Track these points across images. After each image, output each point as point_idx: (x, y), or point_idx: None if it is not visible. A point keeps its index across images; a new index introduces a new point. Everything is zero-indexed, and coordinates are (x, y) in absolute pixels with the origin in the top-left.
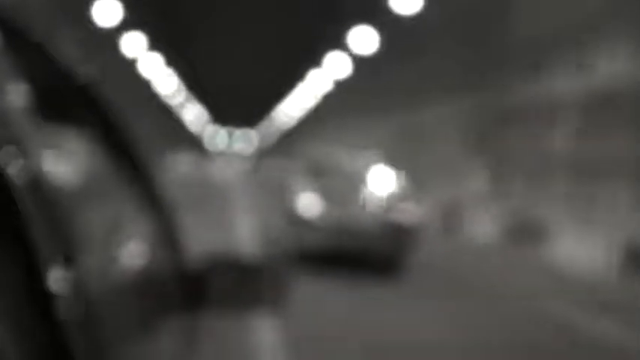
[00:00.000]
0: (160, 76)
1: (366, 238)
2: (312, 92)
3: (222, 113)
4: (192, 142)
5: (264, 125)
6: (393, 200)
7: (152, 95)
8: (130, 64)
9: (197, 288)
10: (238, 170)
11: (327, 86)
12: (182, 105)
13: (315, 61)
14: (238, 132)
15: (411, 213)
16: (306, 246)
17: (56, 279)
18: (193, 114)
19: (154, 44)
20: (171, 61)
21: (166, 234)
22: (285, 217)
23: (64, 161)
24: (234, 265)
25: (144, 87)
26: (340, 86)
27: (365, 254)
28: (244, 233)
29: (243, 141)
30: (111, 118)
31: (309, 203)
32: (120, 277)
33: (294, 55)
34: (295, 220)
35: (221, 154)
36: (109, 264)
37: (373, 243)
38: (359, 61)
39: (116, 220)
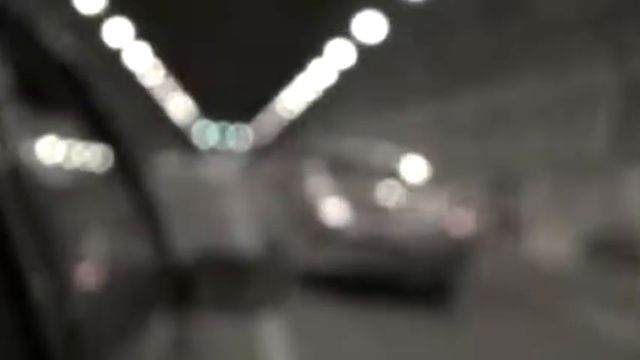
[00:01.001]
0: (145, 65)
1: (408, 255)
2: (314, 84)
3: (213, 106)
4: (179, 138)
5: (261, 120)
6: (439, 206)
7: (136, 86)
8: (114, 54)
9: (187, 287)
10: (232, 169)
11: (331, 77)
12: (168, 97)
13: (317, 49)
14: (232, 127)
15: (462, 221)
16: (329, 264)
17: (38, 280)
18: (181, 107)
19: (140, 32)
20: (157, 50)
21: (154, 229)
22: (298, 227)
23: (47, 152)
24: (227, 263)
25: (128, 78)
26: (345, 77)
27: (406, 275)
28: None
29: (237, 137)
30: (96, 106)
31: (331, 210)
32: (106, 277)
33: (294, 42)
34: (313, 231)
35: (212, 151)
36: (93, 263)
37: (418, 261)
38: (365, 50)
39: (101, 216)
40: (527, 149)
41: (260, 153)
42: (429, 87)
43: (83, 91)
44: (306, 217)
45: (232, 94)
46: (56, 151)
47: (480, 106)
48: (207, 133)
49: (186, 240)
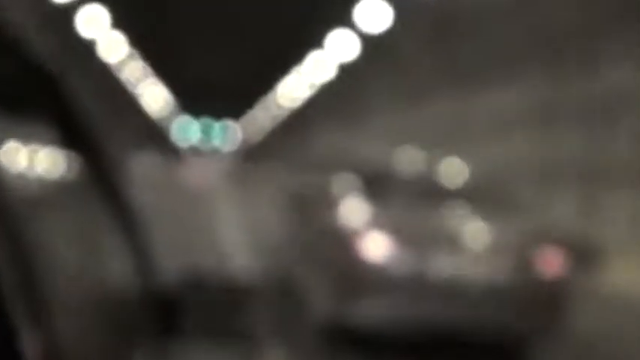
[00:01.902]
0: (121, 56)
1: (482, 304)
2: (311, 77)
3: (197, 101)
4: (156, 136)
5: (251, 116)
6: (519, 238)
7: (109, 79)
8: (88, 44)
9: (171, 314)
10: (217, 173)
11: (330, 70)
12: (146, 91)
13: (314, 40)
14: (217, 124)
15: (552, 259)
16: (367, 317)
17: (13, 300)
18: (159, 102)
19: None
20: (134, 40)
21: (132, 246)
22: (321, 263)
23: (21, 160)
24: (218, 286)
25: (102, 70)
26: (346, 70)
27: (480, 331)
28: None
29: (224, 135)
30: (66, 103)
31: (370, 242)
32: (83, 300)
33: (290, 32)
34: (343, 270)
35: (194, 151)
36: (71, 284)
37: (494, 313)
38: (368, 41)
39: (78, 231)
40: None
41: (251, 154)
42: (449, 81)
43: (52, 87)
44: (334, 249)
45: (218, 86)
46: (19, 157)
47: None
48: (189, 131)
49: (170, 258)
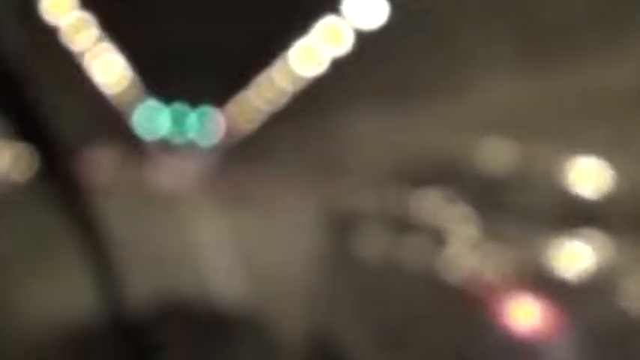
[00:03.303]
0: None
1: None
2: (322, 47)
3: (168, 83)
4: (117, 126)
5: (236, 103)
6: None
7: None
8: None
9: (143, 346)
10: (193, 173)
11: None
12: (102, 68)
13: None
14: (194, 113)
15: None
16: None
17: None
18: (121, 83)
19: None
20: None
21: (100, 270)
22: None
23: None
24: (199, 316)
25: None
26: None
27: None
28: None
29: (202, 126)
30: (22, 93)
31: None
32: (47, 331)
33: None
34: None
35: (163, 145)
36: (35, 312)
37: None
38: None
39: (40, 248)
40: None
41: (238, 150)
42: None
43: (9, 78)
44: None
45: (195, 62)
46: None
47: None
48: (156, 120)
49: (141, 282)
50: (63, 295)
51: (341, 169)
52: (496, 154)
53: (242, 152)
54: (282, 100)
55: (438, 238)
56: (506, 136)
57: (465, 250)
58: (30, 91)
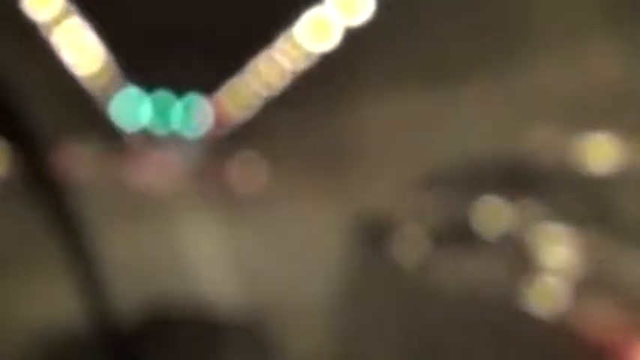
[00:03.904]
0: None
1: None
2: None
3: (150, 67)
4: (94, 117)
5: (227, 90)
6: None
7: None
8: None
9: (131, 354)
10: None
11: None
12: (74, 50)
13: None
14: (179, 101)
15: None
16: None
17: None
18: (96, 67)
19: None
20: None
21: (82, 272)
22: None
23: None
24: (192, 323)
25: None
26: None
27: None
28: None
29: (188, 116)
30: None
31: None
32: (29, 341)
33: None
34: None
35: (144, 138)
36: (14, 321)
37: None
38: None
39: (18, 252)
40: None
41: (229, 143)
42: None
43: None
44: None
45: (180, 44)
46: None
47: None
48: (137, 109)
49: (128, 285)
50: (44, 301)
51: (359, 164)
52: (594, 149)
53: (234, 146)
54: (281, 85)
55: (507, 255)
56: (562, 125)
57: (555, 275)
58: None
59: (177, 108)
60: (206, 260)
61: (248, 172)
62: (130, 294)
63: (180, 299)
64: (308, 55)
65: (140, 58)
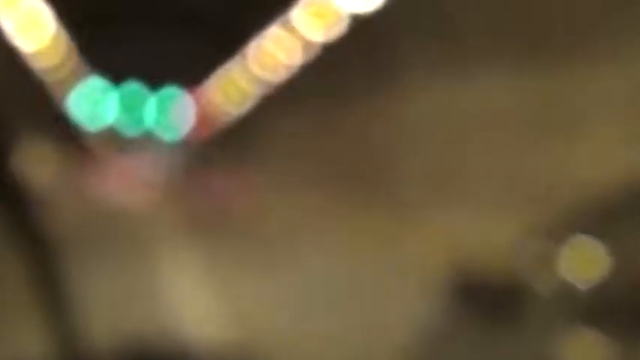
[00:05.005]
0: None
1: None
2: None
3: (118, 54)
4: (50, 113)
5: (212, 83)
6: None
7: None
8: None
9: None
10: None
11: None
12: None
13: None
14: (153, 95)
15: None
16: None
17: None
18: (52, 52)
19: None
20: None
21: (51, 306)
22: None
23: None
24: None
25: None
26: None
27: None
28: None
29: (165, 114)
30: None
31: None
32: None
33: None
34: None
35: (113, 138)
36: None
37: None
38: None
39: None
40: None
41: (215, 148)
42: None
43: None
44: None
45: (155, 29)
46: None
47: None
48: (103, 105)
49: (99, 323)
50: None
51: (395, 176)
52: None
53: (220, 150)
54: (279, 78)
55: None
56: None
57: None
58: None
59: (151, 104)
60: (187, 294)
61: (238, 185)
62: (100, 333)
63: (156, 339)
64: (307, 44)
65: (106, 43)
